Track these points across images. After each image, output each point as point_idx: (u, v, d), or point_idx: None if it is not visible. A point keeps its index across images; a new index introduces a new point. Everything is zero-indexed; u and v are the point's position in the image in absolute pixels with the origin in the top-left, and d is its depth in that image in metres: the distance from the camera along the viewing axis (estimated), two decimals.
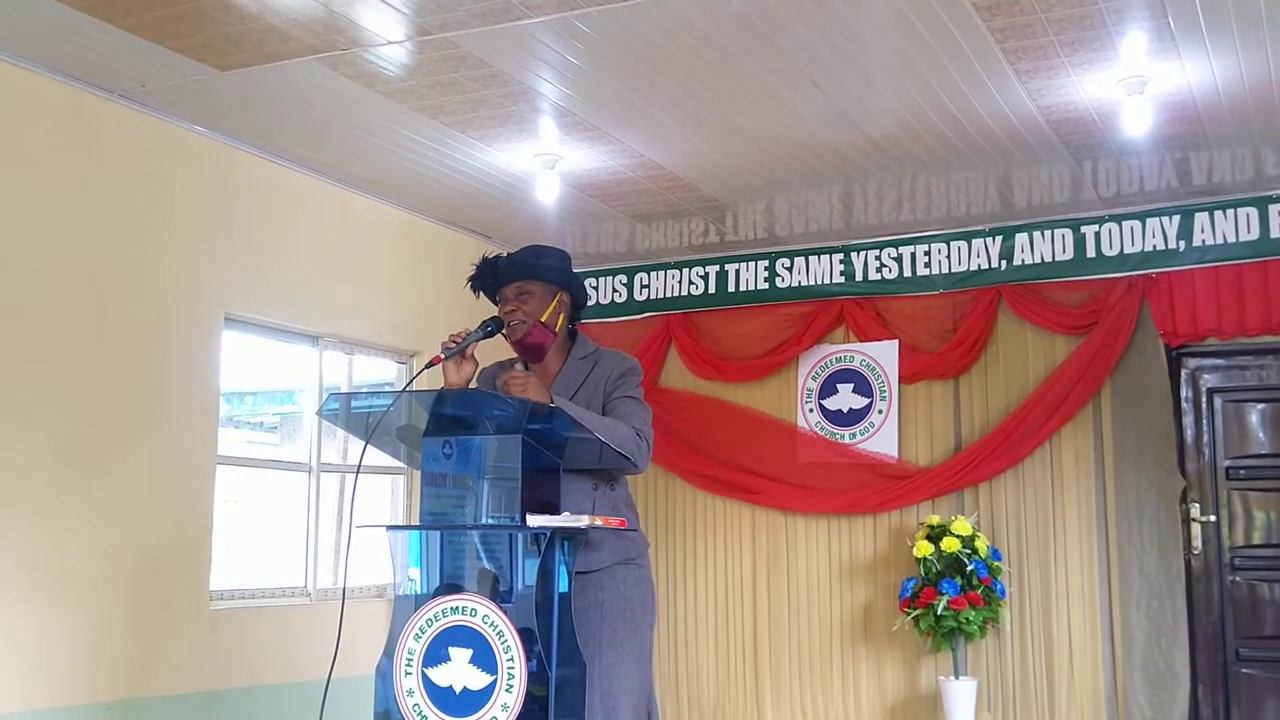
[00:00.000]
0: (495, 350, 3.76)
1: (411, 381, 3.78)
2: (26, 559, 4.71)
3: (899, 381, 7.39)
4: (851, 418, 7.49)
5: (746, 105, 5.34)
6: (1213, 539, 6.70)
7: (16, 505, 4.70)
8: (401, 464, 3.74)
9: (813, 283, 7.65)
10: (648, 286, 8.10)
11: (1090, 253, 6.96)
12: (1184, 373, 6.86)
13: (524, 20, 4.44)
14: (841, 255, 7.58)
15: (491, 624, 3.05)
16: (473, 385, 3.55)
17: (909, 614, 6.84)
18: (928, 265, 7.36)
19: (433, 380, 3.60)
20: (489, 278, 3.64)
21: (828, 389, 7.58)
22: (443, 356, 3.43)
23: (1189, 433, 6.81)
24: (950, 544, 6.73)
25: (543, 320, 3.56)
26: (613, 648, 3.40)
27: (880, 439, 7.40)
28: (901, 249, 7.44)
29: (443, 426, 3.31)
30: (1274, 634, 6.54)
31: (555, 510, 3.22)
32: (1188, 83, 5.11)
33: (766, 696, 7.50)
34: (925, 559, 6.80)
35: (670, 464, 7.78)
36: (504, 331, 3.59)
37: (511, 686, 3.00)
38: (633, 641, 3.44)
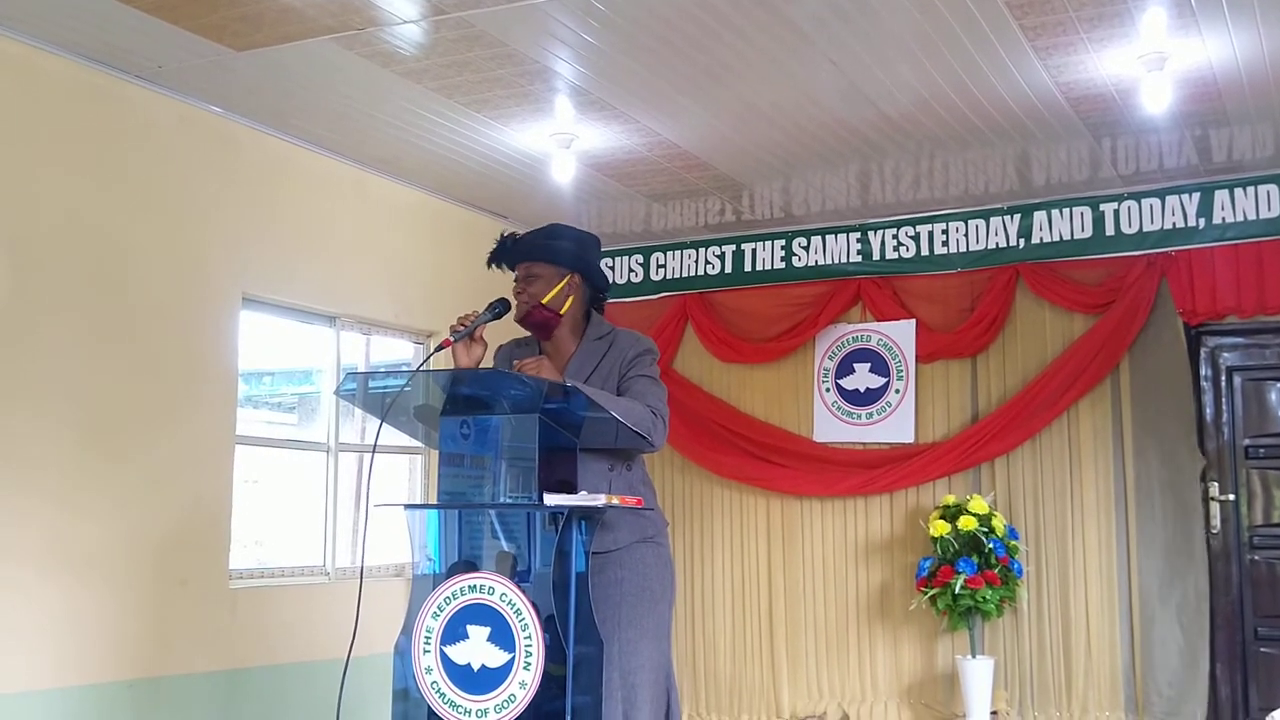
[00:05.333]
0: (508, 330, 3.77)
1: (424, 364, 3.80)
2: (48, 540, 4.74)
3: (916, 361, 7.37)
4: (868, 397, 7.48)
5: (763, 84, 5.32)
6: (1231, 518, 6.68)
7: (38, 487, 4.72)
8: (419, 443, 3.76)
9: (829, 262, 7.63)
10: (664, 266, 8.09)
11: (1109, 231, 6.92)
12: (1203, 351, 6.82)
13: None
14: (858, 234, 7.56)
15: (509, 602, 3.06)
16: (485, 365, 3.57)
17: (926, 593, 6.84)
18: (945, 244, 7.34)
19: (444, 363, 3.61)
20: (502, 255, 3.67)
21: (844, 368, 7.57)
22: (452, 339, 3.45)
23: (1208, 411, 6.78)
24: (967, 523, 6.72)
25: (544, 302, 3.57)
26: (632, 625, 3.41)
27: (897, 418, 7.39)
28: (919, 228, 7.41)
29: (460, 406, 3.32)
30: None
31: (572, 489, 3.23)
32: (1208, 59, 5.07)
33: (783, 675, 7.52)
34: (942, 538, 6.79)
35: (685, 449, 7.78)
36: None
37: (529, 664, 3.02)
38: (651, 619, 3.46)
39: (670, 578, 3.58)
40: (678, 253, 8.06)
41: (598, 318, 3.73)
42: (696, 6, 4.52)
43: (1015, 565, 6.77)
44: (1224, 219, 6.65)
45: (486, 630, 3.08)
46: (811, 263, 7.68)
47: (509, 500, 3.20)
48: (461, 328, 3.47)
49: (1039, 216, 7.10)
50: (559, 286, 3.60)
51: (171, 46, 4.89)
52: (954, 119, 5.76)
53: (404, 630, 3.25)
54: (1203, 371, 6.80)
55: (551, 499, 3.08)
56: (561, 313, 3.61)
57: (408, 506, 3.47)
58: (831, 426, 7.56)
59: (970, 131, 5.94)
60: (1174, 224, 6.77)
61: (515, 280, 3.64)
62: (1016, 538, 6.88)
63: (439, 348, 3.49)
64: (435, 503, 3.37)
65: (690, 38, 4.81)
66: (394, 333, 6.84)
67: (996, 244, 7.21)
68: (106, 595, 4.96)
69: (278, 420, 6.81)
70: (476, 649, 3.09)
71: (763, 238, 7.81)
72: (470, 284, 5.75)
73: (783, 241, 7.76)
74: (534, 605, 3.04)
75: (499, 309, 3.57)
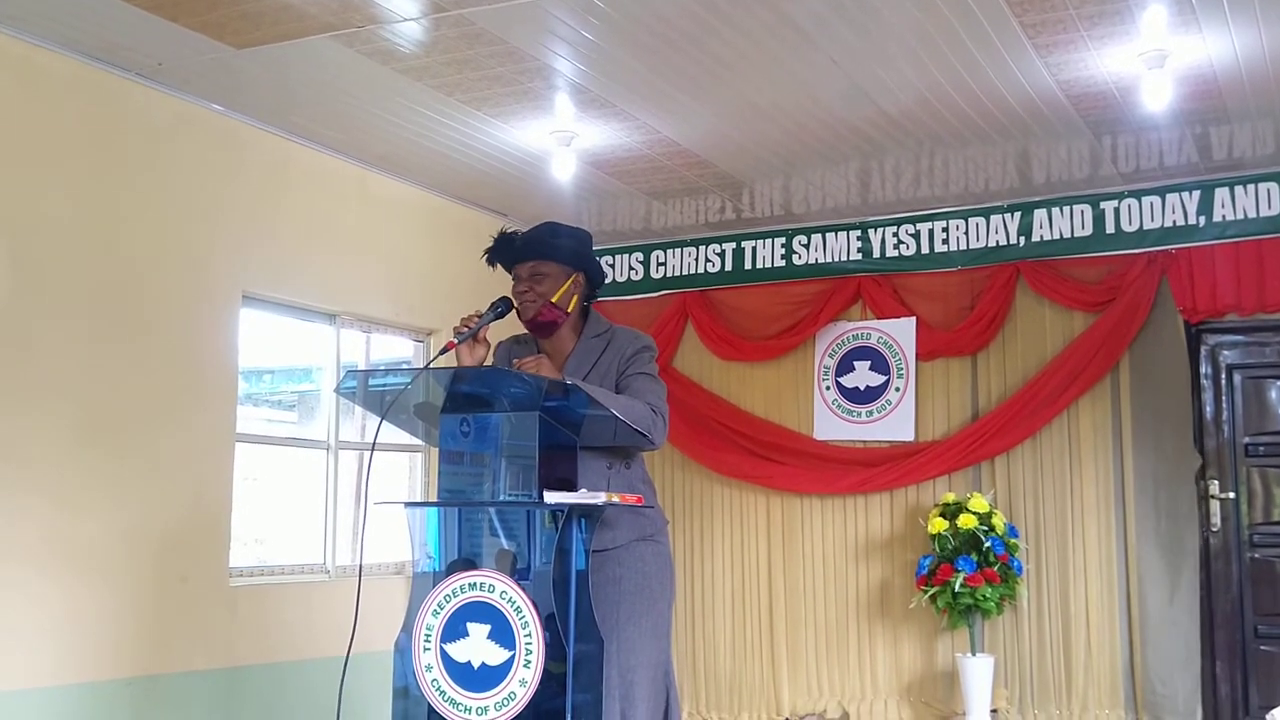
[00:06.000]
0: (507, 328, 3.77)
1: (428, 366, 3.81)
2: (48, 537, 4.74)
3: (916, 359, 7.37)
4: (868, 395, 7.48)
5: (763, 81, 5.32)
6: (1231, 516, 6.68)
7: (38, 484, 4.72)
8: (419, 441, 3.76)
9: (830, 260, 7.62)
10: (664, 264, 8.08)
11: (1109, 229, 6.92)
12: (1203, 349, 6.82)
13: None
14: (859, 232, 7.55)
15: (509, 600, 3.06)
16: (487, 364, 3.57)
17: (925, 591, 6.84)
18: (945, 242, 7.33)
19: (447, 364, 3.61)
20: (505, 253, 3.65)
21: (844, 366, 7.57)
22: (455, 341, 3.45)
23: (1208, 409, 6.78)
24: (967, 521, 6.72)
25: (553, 301, 3.57)
26: (631, 623, 3.41)
27: (897, 416, 7.38)
28: (919, 225, 7.41)
29: (460, 404, 3.32)
30: None
31: (572, 487, 3.23)
32: (1208, 56, 5.07)
33: (783, 673, 7.51)
34: (940, 535, 6.79)
35: (685, 447, 7.78)
36: (516, 309, 3.61)
37: (529, 662, 3.02)
38: (650, 617, 3.46)
39: (670, 576, 3.58)
40: (678, 250, 8.05)
41: (595, 315, 3.73)
42: (697, 4, 4.52)
43: (1015, 563, 6.77)
44: (1224, 217, 6.64)
45: (487, 628, 3.08)
46: (812, 260, 7.68)
47: (509, 498, 3.20)
48: (465, 329, 3.47)
49: (1039, 214, 7.10)
50: (566, 285, 3.60)
51: (171, 44, 4.88)
52: (954, 117, 5.76)
53: (404, 628, 3.25)
54: (1203, 369, 6.80)
55: (551, 496, 3.08)
56: (569, 310, 3.62)
57: (408, 504, 3.47)
58: (831, 424, 7.56)
59: (970, 129, 5.94)
60: (1174, 222, 6.76)
61: (517, 279, 3.63)
62: (1016, 535, 6.88)
63: (443, 350, 3.49)
64: (435, 500, 3.37)
65: (690, 35, 4.80)
66: (394, 330, 6.84)
67: (997, 242, 7.20)
68: (106, 593, 4.95)
69: (278, 418, 6.81)
70: (477, 647, 3.09)
71: (763, 235, 7.80)
72: (470, 282, 5.74)
73: (783, 239, 7.76)
74: (534, 603, 3.04)
75: (501, 309, 3.56)
